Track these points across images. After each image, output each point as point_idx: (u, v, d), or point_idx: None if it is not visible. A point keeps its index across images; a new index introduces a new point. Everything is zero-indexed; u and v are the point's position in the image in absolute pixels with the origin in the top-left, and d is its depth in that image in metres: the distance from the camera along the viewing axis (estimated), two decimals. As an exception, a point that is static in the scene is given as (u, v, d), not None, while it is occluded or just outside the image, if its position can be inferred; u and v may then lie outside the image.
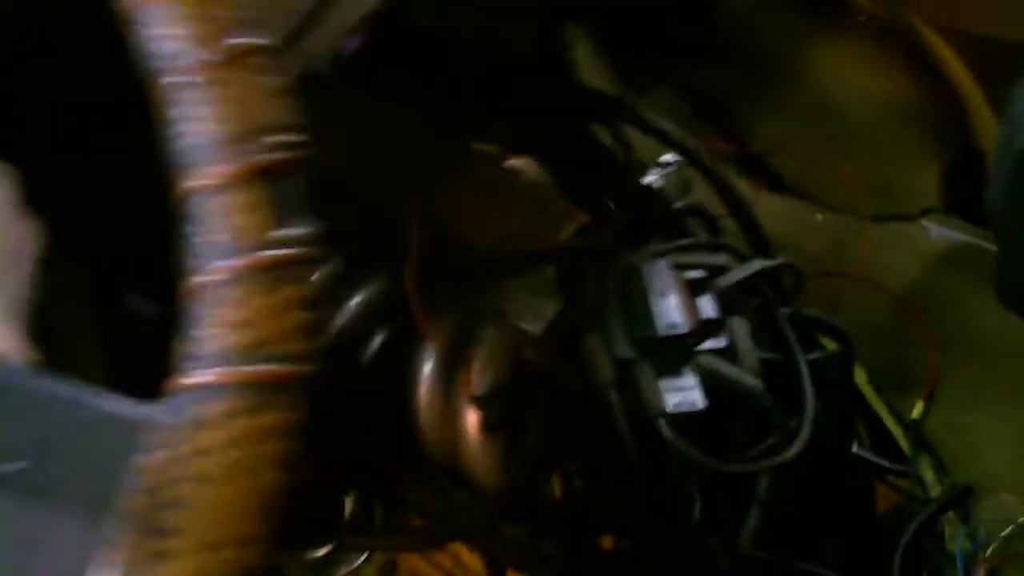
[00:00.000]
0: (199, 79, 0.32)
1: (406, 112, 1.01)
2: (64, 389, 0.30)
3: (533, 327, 0.77)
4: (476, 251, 0.83)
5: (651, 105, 1.54)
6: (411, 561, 0.81)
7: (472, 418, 0.77)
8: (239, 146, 0.32)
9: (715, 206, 1.04)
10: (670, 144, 0.98)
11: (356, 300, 0.82)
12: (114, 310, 0.84)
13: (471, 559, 0.80)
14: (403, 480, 0.82)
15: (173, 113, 0.33)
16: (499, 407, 0.76)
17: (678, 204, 0.99)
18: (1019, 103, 0.91)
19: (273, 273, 0.31)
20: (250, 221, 0.32)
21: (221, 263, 0.31)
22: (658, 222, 0.97)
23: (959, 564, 0.97)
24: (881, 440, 1.15)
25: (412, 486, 0.81)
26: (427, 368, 0.79)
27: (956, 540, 1.00)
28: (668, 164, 1.00)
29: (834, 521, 1.05)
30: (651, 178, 0.98)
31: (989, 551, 0.98)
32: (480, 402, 0.76)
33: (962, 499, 1.01)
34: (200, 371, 0.30)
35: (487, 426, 0.76)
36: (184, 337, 0.31)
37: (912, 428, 1.13)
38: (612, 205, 1.04)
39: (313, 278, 0.33)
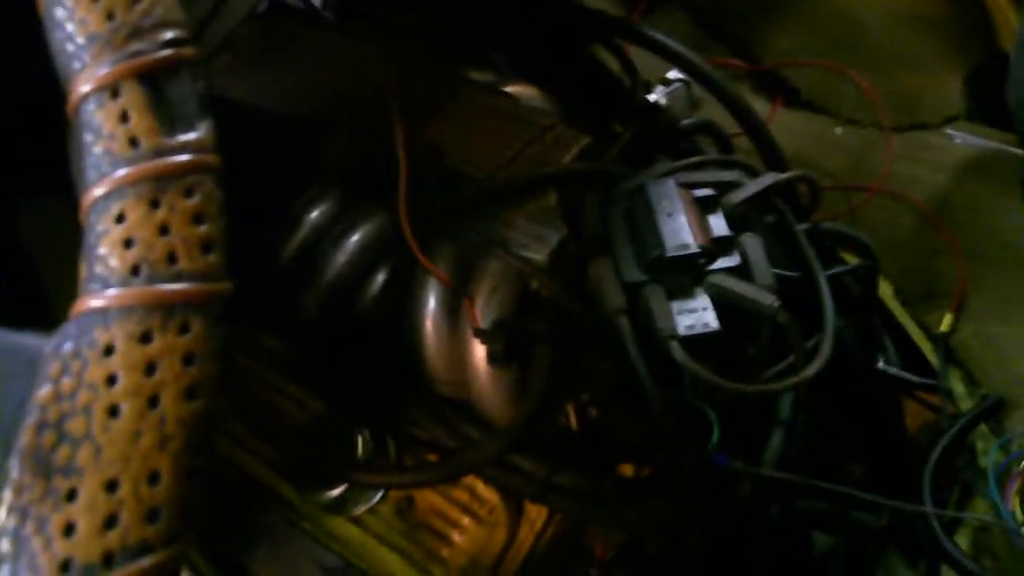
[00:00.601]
0: None
1: (398, 42, 0.98)
2: None
3: (537, 255, 0.75)
4: (474, 180, 0.80)
5: (658, 23, 1.50)
6: (427, 497, 0.80)
7: (479, 351, 0.75)
8: (114, 47, 0.29)
9: (728, 125, 1.00)
10: (674, 60, 0.94)
11: (355, 238, 0.80)
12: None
13: (488, 492, 0.79)
14: (414, 416, 0.80)
15: (48, 20, 0.30)
16: (506, 339, 0.74)
17: (686, 121, 0.95)
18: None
19: (168, 183, 0.28)
20: (134, 127, 0.29)
21: (111, 174, 0.28)
22: (665, 140, 0.94)
23: (991, 478, 0.95)
24: (909, 355, 1.12)
25: (423, 422, 0.80)
26: (431, 303, 0.77)
27: (988, 454, 0.98)
28: (673, 81, 0.96)
29: (861, 439, 1.03)
30: (656, 96, 0.94)
31: (1023, 464, 0.95)
32: (486, 335, 0.74)
33: (993, 412, 0.99)
34: (99, 292, 0.28)
35: (494, 359, 0.74)
36: (82, 258, 0.29)
37: (941, 341, 1.11)
38: (617, 126, 1.00)
39: (220, 187, 0.30)
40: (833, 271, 0.89)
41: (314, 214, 0.83)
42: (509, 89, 0.93)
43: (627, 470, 0.85)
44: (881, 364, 1.03)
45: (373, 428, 0.81)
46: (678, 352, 0.68)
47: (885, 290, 1.16)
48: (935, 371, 1.09)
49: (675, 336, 0.69)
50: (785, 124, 1.38)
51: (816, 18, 1.48)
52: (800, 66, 1.42)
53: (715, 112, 1.01)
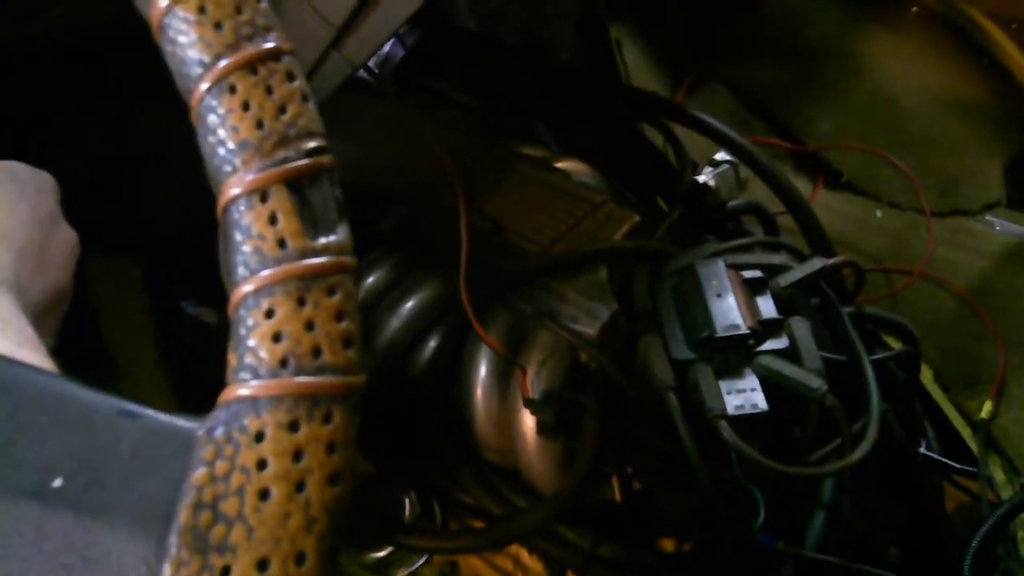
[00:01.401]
0: (220, 87, 0.32)
1: (454, 117, 1.01)
2: (115, 402, 0.30)
3: (588, 329, 0.77)
4: (529, 253, 0.82)
5: (702, 104, 1.53)
6: (471, 563, 0.81)
7: (528, 421, 0.76)
8: (264, 154, 0.32)
9: (773, 204, 1.02)
10: (721, 141, 0.96)
11: (410, 304, 0.82)
12: (171, 316, 0.85)
13: (531, 561, 0.80)
14: (461, 482, 0.81)
15: (201, 126, 0.33)
16: (555, 410, 0.75)
17: (734, 203, 0.97)
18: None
19: (313, 282, 0.31)
20: (282, 229, 0.31)
21: (258, 273, 0.30)
22: (713, 220, 0.96)
23: (1033, 568, 0.94)
24: (949, 440, 1.12)
25: (470, 488, 0.81)
26: (482, 371, 0.79)
27: (1030, 543, 0.97)
28: (721, 162, 0.98)
29: (901, 523, 1.02)
30: (704, 177, 0.97)
31: (1065, 554, 0.95)
32: (536, 405, 0.75)
33: (1033, 501, 0.98)
34: (249, 382, 0.29)
35: (543, 429, 0.75)
36: (232, 348, 0.30)
37: (981, 427, 1.10)
38: (665, 205, 1.02)
39: (356, 287, 0.32)
40: (877, 356, 0.90)
41: (371, 280, 0.85)
42: (561, 164, 0.96)
43: (667, 545, 0.86)
44: (923, 449, 1.03)
45: (420, 491, 0.83)
46: (727, 431, 0.69)
47: (925, 374, 1.16)
48: (975, 457, 1.08)
49: (724, 415, 0.70)
50: (827, 205, 1.39)
51: (859, 101, 1.50)
52: (842, 148, 1.44)
53: (758, 191, 1.03)
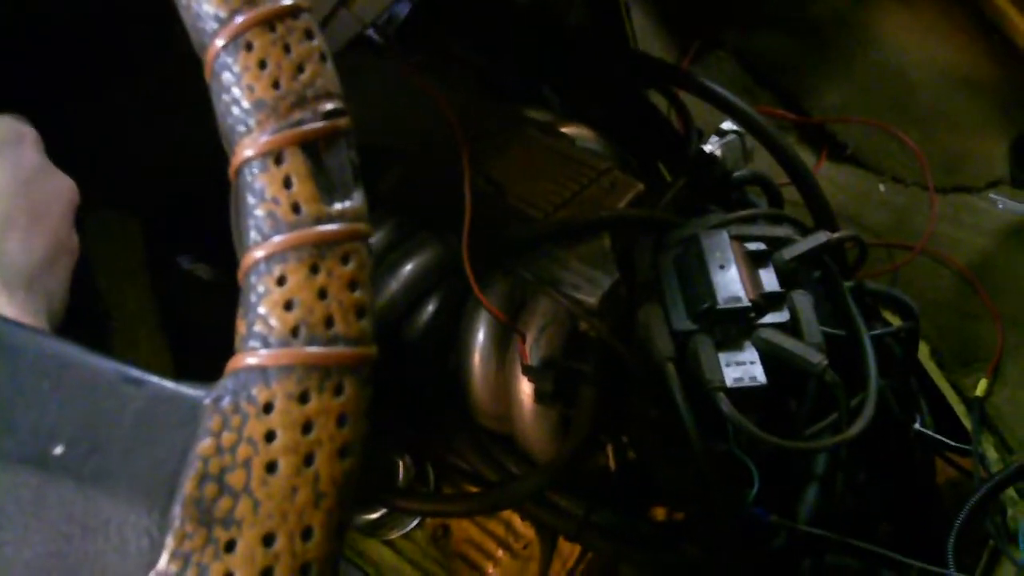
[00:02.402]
0: (236, 44, 0.31)
1: (459, 78, 1.00)
2: (120, 367, 0.29)
3: (588, 297, 0.76)
4: (531, 219, 0.81)
5: (708, 71, 1.52)
6: (463, 527, 0.81)
7: (526, 388, 0.76)
8: (279, 115, 0.31)
9: (778, 176, 1.01)
10: (729, 111, 0.95)
11: (410, 266, 0.81)
12: (167, 271, 0.84)
13: (523, 527, 0.80)
14: (456, 446, 0.81)
15: (215, 84, 0.31)
16: (553, 378, 0.75)
17: (739, 173, 0.96)
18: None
19: (323, 249, 0.30)
20: (297, 194, 0.30)
21: (271, 239, 0.29)
22: (717, 190, 0.95)
23: (1021, 544, 0.95)
24: (943, 417, 1.12)
25: (465, 453, 0.81)
26: (481, 337, 0.78)
27: (1019, 520, 0.98)
28: (727, 132, 0.97)
29: (892, 498, 1.03)
30: (710, 146, 0.95)
31: (1054, 531, 0.95)
32: (534, 372, 0.75)
33: (1017, 477, 0.99)
34: (259, 351, 0.28)
35: (541, 396, 0.75)
36: (242, 315, 0.29)
37: (976, 405, 1.10)
38: (669, 174, 1.01)
39: (369, 255, 0.31)
40: (877, 332, 0.89)
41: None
42: (566, 129, 0.94)
43: (659, 513, 0.86)
44: (917, 425, 1.03)
45: (414, 455, 0.82)
46: (725, 404, 0.69)
47: (922, 351, 1.16)
48: (969, 435, 1.09)
49: (723, 388, 0.70)
50: (830, 178, 1.39)
51: (866, 74, 1.49)
52: (848, 121, 1.43)
53: (763, 162, 1.02)
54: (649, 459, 0.79)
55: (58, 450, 0.27)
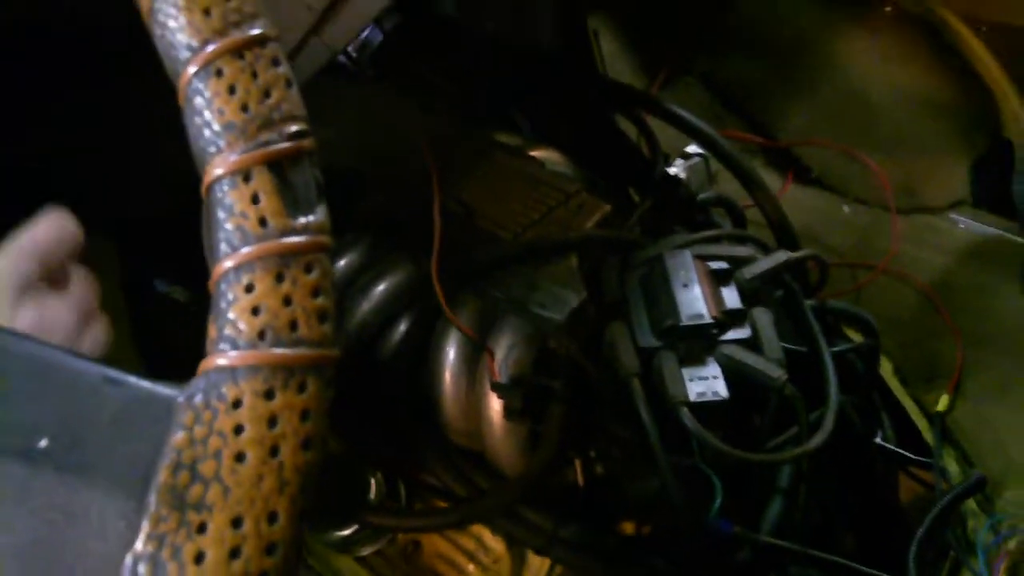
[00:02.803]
0: (208, 70, 0.34)
1: (431, 102, 1.02)
2: (99, 368, 0.32)
3: (556, 316, 0.78)
4: (501, 240, 0.83)
5: (677, 97, 1.55)
6: (434, 542, 0.82)
7: (495, 405, 0.78)
8: (248, 137, 0.33)
9: (743, 199, 1.04)
10: (692, 134, 0.98)
11: (381, 287, 0.83)
12: (143, 293, 0.86)
13: (494, 542, 0.82)
14: (427, 463, 0.83)
15: (188, 108, 0.34)
16: (522, 394, 0.76)
17: (703, 195, 0.99)
18: (1047, 94, 0.91)
19: (288, 259, 0.32)
20: (264, 209, 0.33)
21: (240, 250, 0.32)
22: (682, 212, 0.97)
23: (980, 555, 0.97)
24: (906, 432, 1.15)
25: (436, 469, 0.82)
26: (451, 355, 0.80)
27: (978, 532, 1.00)
28: (692, 155, 1.00)
29: (856, 511, 1.05)
30: (675, 169, 0.98)
31: (1012, 544, 0.98)
32: (503, 389, 0.77)
33: (975, 489, 1.01)
34: (228, 352, 0.31)
35: (510, 413, 0.77)
36: (212, 320, 0.32)
37: (937, 420, 1.13)
38: (636, 195, 1.04)
39: (332, 265, 0.34)
40: (838, 348, 0.92)
41: (343, 262, 0.86)
42: (535, 153, 0.97)
43: (627, 528, 0.88)
44: (879, 439, 1.06)
45: (387, 472, 0.84)
46: (688, 418, 0.71)
47: (885, 367, 1.19)
48: (931, 449, 1.11)
49: (686, 402, 0.72)
50: (795, 200, 1.42)
51: (830, 99, 1.52)
52: (813, 145, 1.47)
53: (728, 185, 1.05)
54: (616, 474, 0.81)
55: (43, 444, 0.30)
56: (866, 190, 1.42)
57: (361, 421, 0.86)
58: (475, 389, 0.80)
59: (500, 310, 0.80)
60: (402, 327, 0.83)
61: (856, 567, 0.88)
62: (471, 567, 0.81)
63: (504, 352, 0.78)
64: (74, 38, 0.64)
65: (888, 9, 1.57)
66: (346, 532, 0.81)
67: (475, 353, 0.80)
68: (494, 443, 0.79)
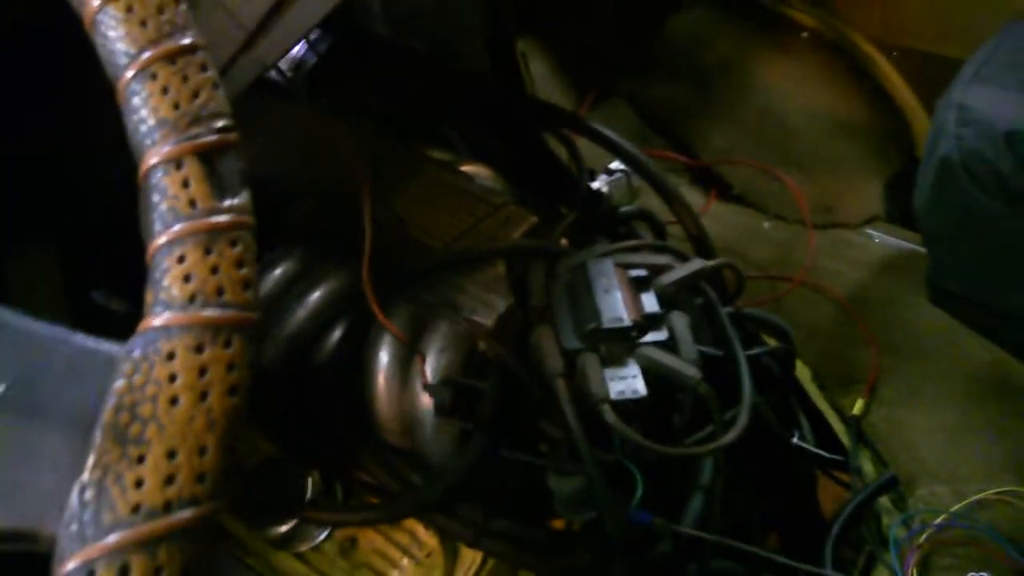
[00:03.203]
0: (144, 74, 0.38)
1: (363, 119, 1.06)
2: (49, 327, 0.36)
3: (485, 320, 0.82)
4: (431, 249, 0.87)
5: (605, 117, 1.61)
6: (370, 538, 0.85)
7: (427, 404, 0.81)
8: (179, 130, 0.38)
9: (666, 214, 1.09)
10: (616, 152, 1.03)
11: (316, 294, 0.86)
12: (81, 304, 0.88)
13: (427, 536, 0.84)
14: (362, 462, 0.86)
15: (126, 107, 0.39)
16: (452, 394, 0.80)
17: (625, 208, 1.04)
18: (942, 114, 0.98)
19: (215, 235, 0.37)
20: (193, 192, 0.37)
21: (172, 227, 0.36)
22: (605, 224, 1.02)
23: (893, 550, 1.02)
24: (824, 435, 1.20)
25: (371, 467, 0.85)
26: (384, 358, 0.83)
27: (892, 527, 1.05)
28: (615, 171, 1.05)
29: (777, 509, 1.10)
30: (599, 184, 1.03)
31: (923, 538, 1.03)
32: (433, 389, 0.80)
33: (887, 487, 1.07)
34: (163, 314, 0.35)
35: (440, 411, 0.80)
36: (149, 288, 0.36)
37: (853, 423, 1.19)
38: (562, 208, 1.09)
39: (253, 242, 0.39)
40: (753, 351, 0.97)
41: (278, 271, 0.89)
42: (465, 168, 1.01)
43: (558, 524, 0.91)
44: (795, 440, 1.11)
45: (323, 471, 0.87)
46: (609, 415, 0.75)
47: (804, 374, 1.24)
48: (847, 451, 1.17)
49: (607, 400, 0.76)
50: (718, 216, 1.48)
51: (750, 120, 1.60)
52: (733, 164, 1.54)
53: (653, 202, 1.10)
54: (544, 470, 0.84)
55: (1, 390, 0.34)
56: (785, 207, 1.49)
57: (298, 423, 0.89)
58: (407, 390, 0.83)
59: (431, 315, 0.84)
60: (337, 332, 0.87)
61: (774, 558, 0.92)
62: (405, 561, 0.84)
63: (435, 355, 0.82)
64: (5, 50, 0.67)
65: (804, 35, 1.66)
66: (284, 528, 0.83)
67: (408, 357, 0.83)
68: (426, 441, 0.83)
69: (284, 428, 0.90)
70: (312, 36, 1.07)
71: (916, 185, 1.06)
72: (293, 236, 0.90)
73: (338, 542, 0.85)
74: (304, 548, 0.84)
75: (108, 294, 0.93)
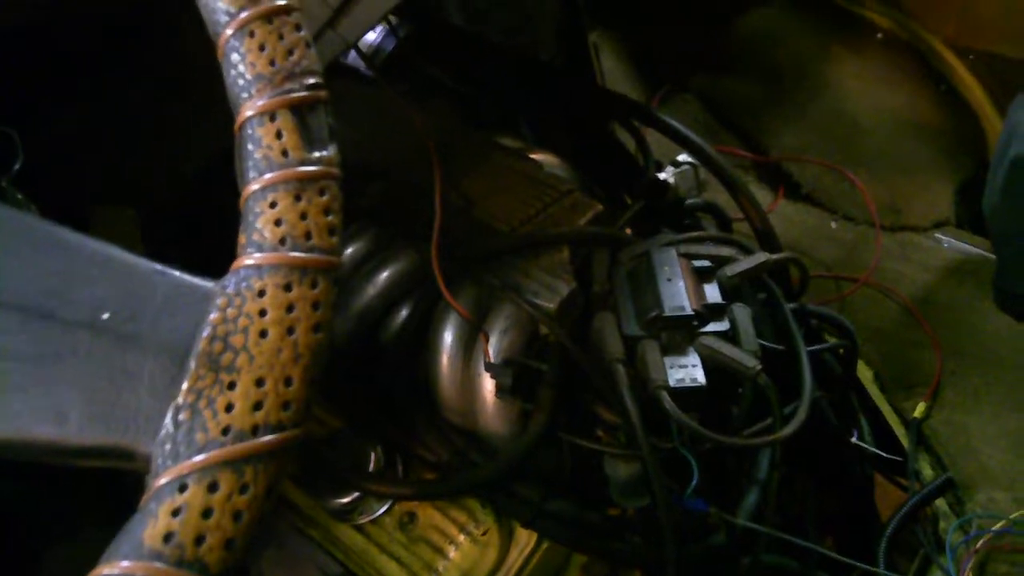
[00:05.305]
0: (243, 32, 0.41)
1: (439, 107, 1.08)
2: (150, 264, 0.39)
3: (548, 303, 0.83)
4: (498, 232, 0.89)
5: (674, 111, 1.61)
6: (428, 513, 0.87)
7: (488, 385, 0.83)
8: (274, 85, 0.40)
9: (733, 210, 1.09)
10: (684, 144, 1.04)
11: (385, 274, 0.88)
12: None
13: (484, 515, 0.86)
14: (424, 439, 0.88)
15: (225, 62, 0.41)
16: (513, 376, 0.81)
17: (691, 200, 1.05)
18: (1016, 115, 0.97)
19: (305, 183, 0.39)
20: (286, 143, 0.40)
21: (265, 175, 0.39)
22: (670, 214, 1.03)
23: (949, 554, 1.02)
24: (884, 436, 1.20)
25: (432, 444, 0.87)
26: (449, 337, 0.85)
27: (948, 531, 1.05)
28: (682, 163, 1.05)
29: (831, 505, 1.10)
30: (666, 175, 1.04)
31: (980, 543, 1.02)
32: (495, 369, 0.82)
33: (943, 489, 1.06)
34: (255, 254, 0.38)
35: (501, 391, 0.82)
36: (242, 231, 0.39)
37: (913, 426, 1.18)
38: (628, 198, 1.09)
39: (341, 191, 0.41)
40: (815, 348, 0.97)
41: (349, 251, 0.92)
42: (534, 155, 1.03)
43: (614, 509, 0.92)
44: (855, 439, 1.11)
45: (385, 446, 0.89)
46: (667, 402, 0.76)
47: (865, 374, 1.24)
48: (906, 453, 1.16)
49: (666, 387, 0.77)
50: (785, 214, 1.48)
51: (822, 119, 1.58)
52: (803, 162, 1.53)
53: (720, 198, 1.11)
54: (600, 454, 0.85)
55: (105, 316, 0.37)
56: (853, 207, 1.48)
57: (363, 398, 0.91)
58: (470, 370, 0.85)
59: (495, 297, 0.86)
60: (404, 311, 0.89)
61: (826, 552, 0.92)
62: (462, 537, 0.86)
63: (498, 335, 0.83)
64: (90, 24, 0.70)
65: (879, 35, 1.64)
66: (345, 500, 0.86)
67: (471, 336, 0.85)
68: (486, 421, 0.84)
69: (350, 403, 0.92)
70: (392, 21, 1.09)
71: (986, 185, 1.05)
72: (366, 217, 0.93)
73: (397, 516, 0.87)
74: (364, 520, 0.87)
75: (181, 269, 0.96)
